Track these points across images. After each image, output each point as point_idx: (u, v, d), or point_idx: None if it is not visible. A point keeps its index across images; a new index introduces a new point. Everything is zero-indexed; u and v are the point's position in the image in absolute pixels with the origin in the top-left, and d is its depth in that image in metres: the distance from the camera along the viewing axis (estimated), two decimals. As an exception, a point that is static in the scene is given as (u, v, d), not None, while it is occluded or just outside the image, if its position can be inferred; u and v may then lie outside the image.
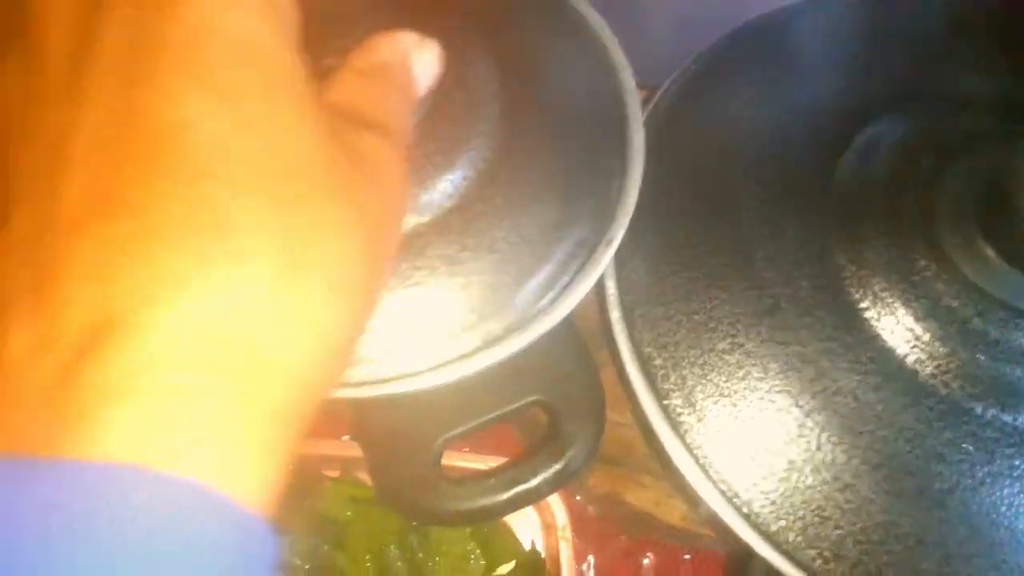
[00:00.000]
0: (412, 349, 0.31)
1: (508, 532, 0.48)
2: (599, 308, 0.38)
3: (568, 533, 0.45)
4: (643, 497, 0.47)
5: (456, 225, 0.32)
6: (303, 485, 0.48)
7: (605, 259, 0.33)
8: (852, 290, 0.33)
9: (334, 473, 0.49)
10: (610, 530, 0.50)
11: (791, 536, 0.32)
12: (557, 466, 0.34)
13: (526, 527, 0.49)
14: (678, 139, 0.38)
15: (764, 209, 0.36)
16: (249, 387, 0.16)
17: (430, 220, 0.32)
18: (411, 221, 0.32)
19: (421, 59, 0.24)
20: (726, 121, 0.38)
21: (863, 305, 0.33)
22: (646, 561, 0.51)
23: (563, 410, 0.34)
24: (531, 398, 0.35)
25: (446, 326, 0.31)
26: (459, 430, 0.34)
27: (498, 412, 0.35)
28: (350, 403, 0.33)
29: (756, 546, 0.32)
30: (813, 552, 0.32)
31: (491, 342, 0.31)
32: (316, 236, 0.17)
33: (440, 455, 0.34)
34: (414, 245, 0.31)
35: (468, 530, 0.47)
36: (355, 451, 0.46)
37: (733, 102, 0.39)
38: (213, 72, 0.17)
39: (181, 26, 0.17)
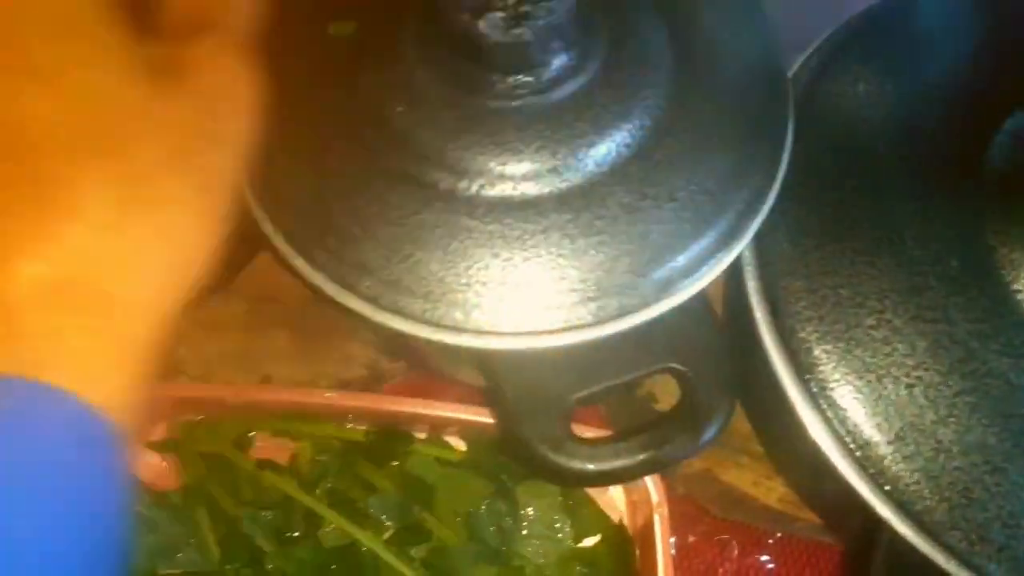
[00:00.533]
0: (582, 302, 0.31)
1: (595, 506, 0.48)
2: (729, 278, 0.37)
3: (664, 510, 0.44)
4: (740, 477, 0.46)
5: (636, 174, 0.32)
6: (391, 445, 0.47)
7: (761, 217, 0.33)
8: (1004, 272, 0.33)
9: (422, 434, 0.49)
10: (691, 509, 0.50)
11: (936, 516, 0.31)
12: (692, 435, 0.33)
13: (609, 505, 0.49)
14: (819, 111, 0.37)
15: (911, 186, 0.35)
16: (90, 319, 0.19)
17: (610, 170, 0.32)
18: (591, 170, 0.32)
19: None
20: (867, 96, 0.38)
21: (1016, 287, 0.33)
22: (730, 542, 0.50)
23: (698, 379, 0.34)
24: (666, 364, 0.34)
25: (623, 277, 0.31)
26: (591, 390, 0.34)
27: (632, 375, 0.34)
28: (486, 355, 0.33)
29: (897, 525, 0.32)
30: (958, 533, 0.31)
31: (663, 290, 0.31)
32: (136, 183, 0.20)
33: (571, 413, 0.33)
34: (596, 194, 0.31)
35: (557, 500, 0.47)
36: (443, 411, 0.46)
37: (873, 78, 0.38)
38: (33, 54, 0.20)
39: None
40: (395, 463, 0.47)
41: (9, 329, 0.19)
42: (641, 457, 0.33)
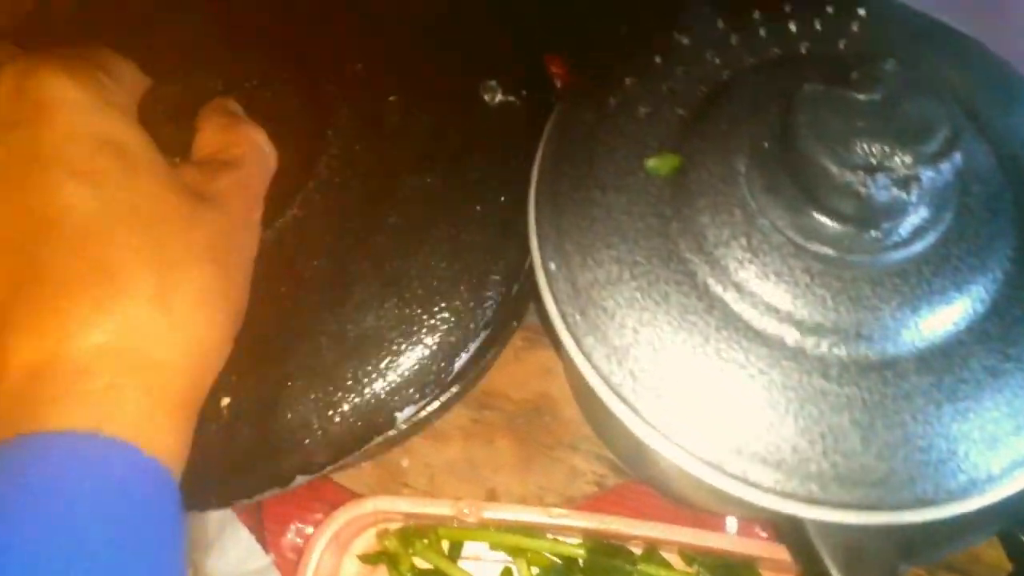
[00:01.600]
0: (951, 474, 0.29)
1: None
2: None
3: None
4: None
5: (995, 333, 0.30)
6: (611, 562, 0.45)
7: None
8: None
9: (636, 548, 0.46)
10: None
11: None
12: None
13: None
14: None
15: None
16: (145, 380, 0.23)
17: (967, 328, 0.30)
18: (949, 329, 0.30)
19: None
20: None
21: None
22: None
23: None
24: (998, 527, 0.32)
25: (992, 446, 0.29)
26: (924, 559, 0.31)
27: (966, 542, 0.32)
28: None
29: None
30: None
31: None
32: (178, 267, 0.24)
33: (903, 582, 0.31)
34: (956, 355, 0.29)
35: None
36: (655, 532, 0.44)
37: None
38: (82, 164, 0.24)
39: (52, 133, 0.24)
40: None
41: (79, 388, 0.22)
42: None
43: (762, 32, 0.35)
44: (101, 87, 0.26)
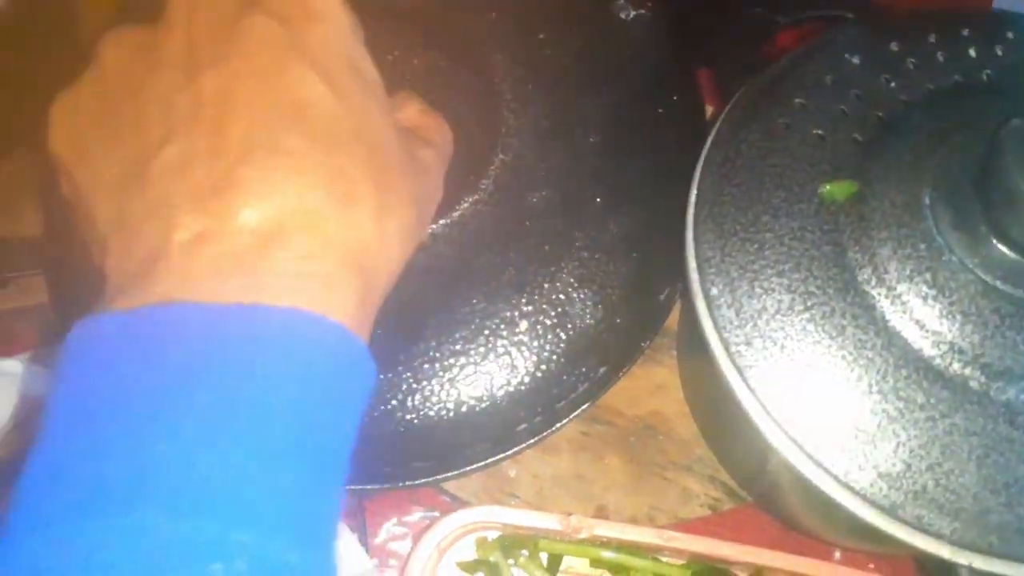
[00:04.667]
0: None
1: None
2: None
3: None
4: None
5: None
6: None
7: None
8: None
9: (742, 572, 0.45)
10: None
11: None
12: None
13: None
14: None
15: None
16: (359, 279, 0.24)
17: None
18: None
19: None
20: None
21: None
22: None
23: None
24: None
25: None
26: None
27: None
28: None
29: None
30: None
31: None
32: (394, 197, 0.25)
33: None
34: None
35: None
36: (766, 560, 0.43)
37: None
38: (333, 73, 0.25)
39: (314, 39, 0.25)
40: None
41: (303, 270, 0.23)
42: None
43: (940, 57, 0.33)
44: (355, 19, 0.27)
